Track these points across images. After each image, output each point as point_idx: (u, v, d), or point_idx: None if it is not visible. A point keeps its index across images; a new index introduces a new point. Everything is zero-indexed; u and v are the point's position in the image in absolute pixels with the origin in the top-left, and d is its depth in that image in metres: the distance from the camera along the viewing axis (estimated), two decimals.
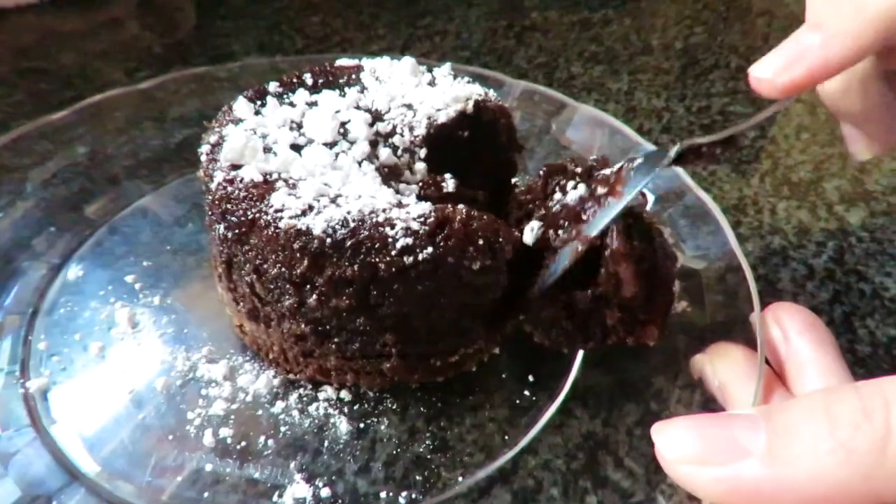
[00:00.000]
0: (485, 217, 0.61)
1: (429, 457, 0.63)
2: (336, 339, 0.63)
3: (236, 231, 0.60)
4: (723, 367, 0.63)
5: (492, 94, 0.74)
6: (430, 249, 0.58)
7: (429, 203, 0.61)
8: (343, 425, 0.65)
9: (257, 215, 0.59)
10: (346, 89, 0.72)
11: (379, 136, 0.67)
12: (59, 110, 0.92)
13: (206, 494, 0.59)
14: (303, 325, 0.63)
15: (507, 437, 0.64)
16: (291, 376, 0.68)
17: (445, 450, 0.64)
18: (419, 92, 0.72)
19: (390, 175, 0.66)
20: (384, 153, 0.66)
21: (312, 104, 0.70)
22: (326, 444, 0.63)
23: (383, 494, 0.60)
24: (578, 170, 0.66)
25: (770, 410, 0.46)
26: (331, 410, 0.66)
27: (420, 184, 0.66)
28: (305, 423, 0.65)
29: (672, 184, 0.84)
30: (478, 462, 0.63)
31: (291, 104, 0.70)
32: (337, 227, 0.57)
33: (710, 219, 0.78)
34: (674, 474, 0.48)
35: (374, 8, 1.43)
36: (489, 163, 0.75)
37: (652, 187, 0.83)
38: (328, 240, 0.57)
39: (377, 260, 0.57)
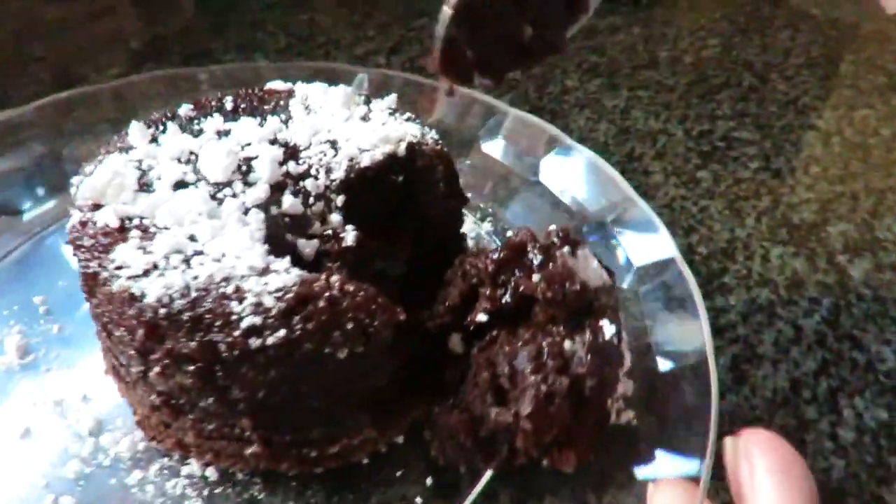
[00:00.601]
0: (361, 294, 0.50)
1: None
2: (190, 416, 0.54)
3: (83, 282, 0.53)
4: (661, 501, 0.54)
5: (430, 135, 0.64)
6: (282, 332, 0.47)
7: (297, 273, 0.51)
8: None
9: (99, 269, 0.51)
10: (268, 118, 0.62)
11: (289, 177, 0.58)
12: (22, 105, 0.85)
13: None
14: (153, 396, 0.54)
15: None
16: (154, 444, 0.59)
17: None
18: (347, 127, 0.61)
19: (293, 227, 0.55)
20: (288, 201, 0.56)
21: (223, 133, 0.60)
22: None
23: None
24: (536, 259, 0.56)
25: None
26: (189, 491, 0.56)
27: (320, 237, 0.55)
28: (156, 503, 0.56)
29: (656, 254, 0.71)
30: None
31: (198, 132, 0.61)
32: (175, 296, 0.48)
33: (688, 304, 0.65)
34: None
35: (367, 7, 1.35)
36: (428, 214, 0.64)
37: (630, 259, 0.72)
38: (162, 310, 0.48)
39: (219, 339, 0.47)
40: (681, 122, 1.07)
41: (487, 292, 0.56)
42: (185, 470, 0.58)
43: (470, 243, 0.79)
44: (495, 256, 0.57)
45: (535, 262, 0.56)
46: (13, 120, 0.86)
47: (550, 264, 0.55)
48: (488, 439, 0.54)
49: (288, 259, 0.52)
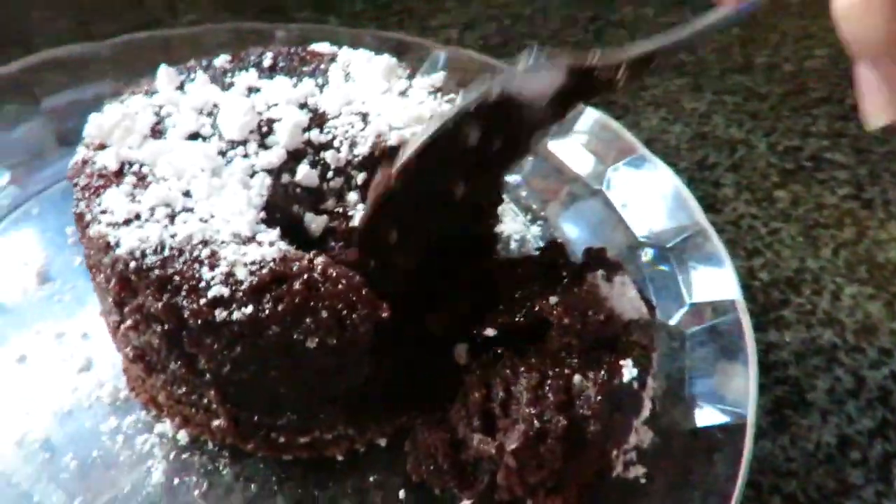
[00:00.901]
0: (343, 281, 0.45)
1: None
2: (162, 376, 0.51)
3: (75, 221, 0.51)
4: None
5: None
6: (249, 309, 0.43)
7: (282, 247, 0.46)
8: (156, 474, 0.53)
9: (85, 210, 0.49)
10: (304, 80, 0.59)
11: (310, 146, 0.54)
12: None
13: None
14: (128, 349, 0.51)
15: None
16: (132, 395, 0.57)
17: None
18: (382, 101, 0.57)
19: (304, 199, 0.52)
20: (303, 171, 0.52)
21: (253, 90, 0.57)
22: (124, 489, 0.52)
23: None
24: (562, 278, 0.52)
25: None
26: (156, 450, 0.54)
27: (330, 213, 0.51)
28: (122, 455, 0.53)
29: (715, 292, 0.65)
30: None
31: (229, 85, 0.58)
32: (147, 251, 0.45)
33: (739, 357, 0.58)
34: None
35: None
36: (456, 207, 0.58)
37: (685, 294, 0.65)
38: (133, 263, 0.45)
39: (184, 305, 0.44)
40: (766, 135, 0.97)
41: (501, 305, 0.52)
42: (158, 427, 0.56)
43: (513, 246, 0.74)
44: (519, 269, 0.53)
45: (562, 281, 0.51)
46: (88, 54, 0.86)
47: (576, 287, 0.50)
48: (469, 466, 0.49)
49: (278, 231, 0.48)
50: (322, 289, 0.45)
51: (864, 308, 0.74)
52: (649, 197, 0.74)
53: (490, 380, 0.49)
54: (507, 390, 0.48)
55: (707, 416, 0.56)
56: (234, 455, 0.54)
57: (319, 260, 0.46)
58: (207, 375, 0.47)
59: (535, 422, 0.46)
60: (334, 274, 0.45)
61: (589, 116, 0.81)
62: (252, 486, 0.54)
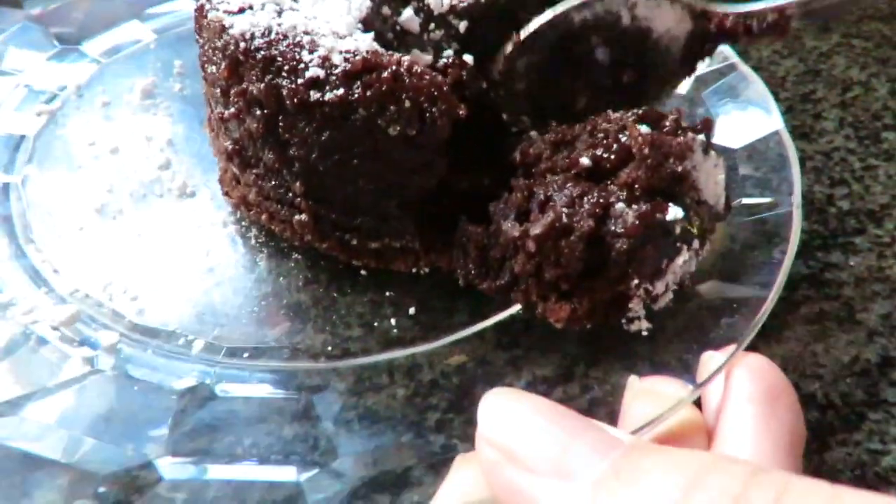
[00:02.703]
0: (427, 77, 0.52)
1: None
2: (255, 171, 0.59)
3: (195, 19, 0.59)
4: (645, 403, 0.48)
5: None
6: (340, 91, 0.50)
7: (375, 45, 0.53)
8: (209, 254, 0.62)
9: (205, 2, 0.57)
10: None
11: None
12: None
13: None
14: (228, 143, 0.60)
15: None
16: (227, 198, 0.66)
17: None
18: None
19: (401, 42, 0.57)
20: (407, 14, 0.57)
21: None
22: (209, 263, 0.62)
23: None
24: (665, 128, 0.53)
25: (636, 445, 0.35)
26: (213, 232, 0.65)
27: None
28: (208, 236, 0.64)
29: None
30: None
31: None
32: (256, 33, 0.53)
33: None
34: (480, 449, 0.39)
35: None
36: None
37: None
38: (242, 44, 0.53)
39: (284, 84, 0.51)
40: (891, 81, 0.93)
41: (581, 143, 0.54)
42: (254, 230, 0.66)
43: None
44: (636, 110, 0.54)
45: (662, 129, 0.53)
46: None
47: (671, 135, 0.52)
48: (496, 262, 0.54)
49: (372, 34, 0.54)
50: (407, 81, 0.51)
51: None
52: None
53: (534, 187, 0.53)
54: (547, 196, 0.52)
55: (730, 290, 0.57)
56: (276, 254, 0.63)
57: (407, 58, 0.53)
58: (296, 165, 0.55)
59: (563, 217, 0.49)
60: (419, 70, 0.52)
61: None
62: (281, 279, 0.61)
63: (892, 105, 0.91)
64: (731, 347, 0.49)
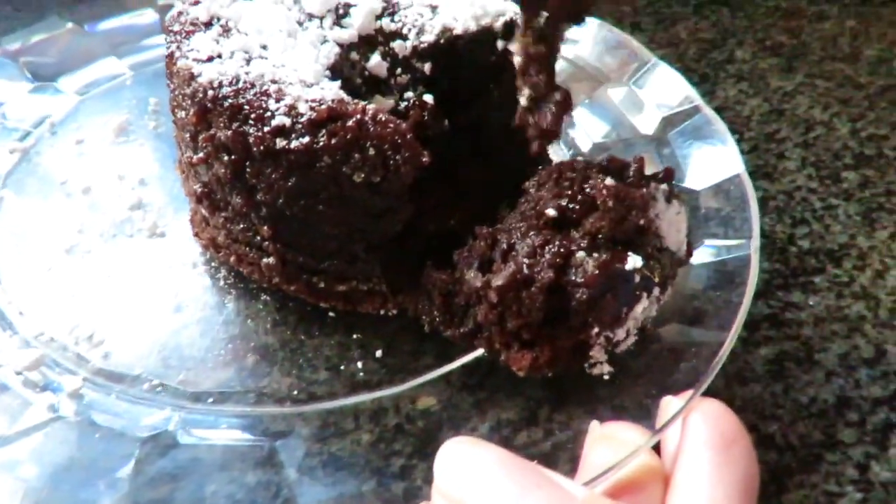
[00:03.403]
0: (391, 126, 0.52)
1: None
2: (223, 214, 0.60)
3: (166, 64, 0.60)
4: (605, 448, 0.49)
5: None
6: (306, 139, 0.51)
7: (342, 94, 0.54)
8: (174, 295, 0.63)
9: (175, 50, 0.58)
10: None
11: (381, 33, 0.60)
12: None
13: None
14: (197, 186, 0.60)
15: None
16: (197, 239, 0.67)
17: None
18: None
19: (370, 86, 0.59)
20: (374, 60, 0.59)
21: None
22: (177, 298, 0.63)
23: None
24: (628, 178, 0.54)
25: (589, 501, 0.36)
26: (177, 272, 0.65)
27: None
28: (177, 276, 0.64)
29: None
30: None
31: None
32: (224, 82, 0.54)
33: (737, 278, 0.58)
34: (434, 501, 0.40)
35: None
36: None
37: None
38: (210, 92, 0.54)
39: (250, 132, 0.52)
40: (852, 121, 0.95)
41: (547, 192, 0.54)
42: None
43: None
44: (601, 161, 0.56)
45: (626, 180, 0.54)
46: None
47: (634, 188, 0.52)
48: (460, 308, 0.54)
49: (339, 83, 0.55)
50: (371, 129, 0.52)
51: None
52: None
53: (498, 235, 0.54)
54: (510, 245, 0.52)
55: (690, 333, 0.57)
56: (244, 295, 0.64)
57: (372, 106, 0.54)
58: (263, 210, 0.56)
59: (525, 267, 0.50)
60: (384, 118, 0.53)
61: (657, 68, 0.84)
62: (249, 321, 0.62)
63: (853, 144, 0.93)
64: (689, 392, 0.50)
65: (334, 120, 0.52)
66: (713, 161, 0.70)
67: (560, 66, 0.81)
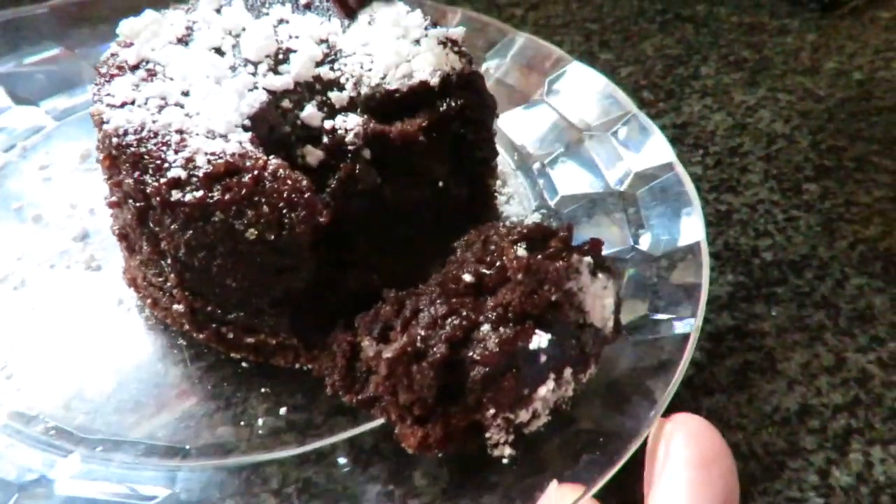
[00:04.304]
0: (289, 182, 0.47)
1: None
2: (139, 257, 0.55)
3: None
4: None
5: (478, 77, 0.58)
6: (200, 193, 0.46)
7: (247, 147, 0.49)
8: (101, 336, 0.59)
9: (96, 93, 0.54)
10: (332, 20, 0.61)
11: (319, 81, 0.56)
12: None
13: None
14: (115, 227, 0.56)
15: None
16: (123, 277, 0.63)
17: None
18: (395, 45, 0.58)
19: (300, 134, 0.54)
20: (308, 111, 0.54)
21: (283, 21, 0.60)
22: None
23: None
24: (549, 249, 0.49)
25: None
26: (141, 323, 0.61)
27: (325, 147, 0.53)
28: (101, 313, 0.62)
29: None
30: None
31: (263, 14, 0.62)
32: (129, 130, 0.49)
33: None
34: None
35: None
36: (458, 160, 0.60)
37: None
38: (115, 139, 0.49)
39: (148, 182, 0.48)
40: (812, 133, 0.95)
41: (471, 255, 0.50)
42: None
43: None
44: (522, 228, 0.50)
45: (545, 251, 0.49)
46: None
47: (553, 259, 0.47)
48: (361, 374, 0.50)
49: (249, 135, 0.51)
50: (268, 185, 0.47)
51: (867, 299, 0.72)
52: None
53: (406, 300, 0.49)
54: (415, 312, 0.47)
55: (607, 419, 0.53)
56: (163, 337, 0.61)
57: (274, 161, 0.48)
58: (168, 258, 0.51)
59: (418, 341, 0.45)
60: (283, 175, 0.47)
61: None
62: (159, 364, 0.59)
63: (813, 157, 0.89)
64: (578, 491, 0.45)
65: (231, 174, 0.47)
66: (675, 226, 0.66)
67: (542, 111, 0.81)
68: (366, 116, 0.55)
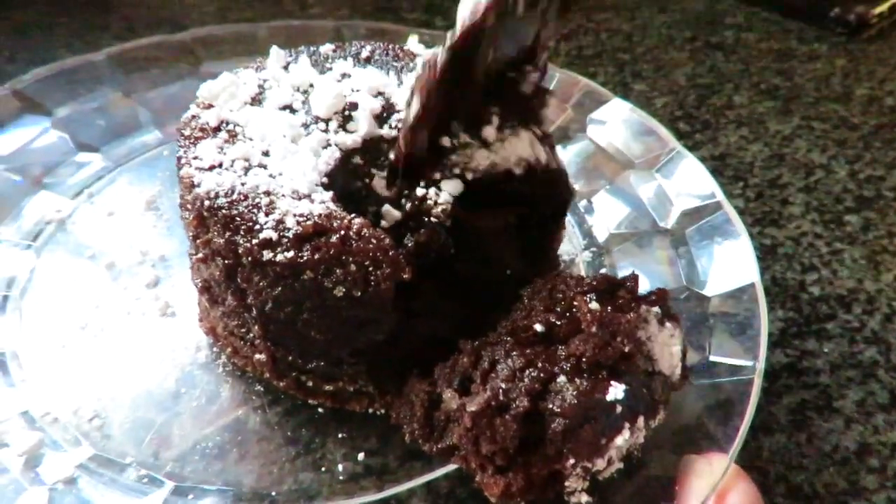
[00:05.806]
0: (374, 241, 0.49)
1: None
2: (221, 308, 0.57)
3: (176, 163, 0.58)
4: None
5: (542, 156, 0.59)
6: (290, 253, 0.48)
7: (331, 206, 0.51)
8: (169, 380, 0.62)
9: (183, 155, 0.56)
10: (390, 73, 0.63)
11: (384, 141, 0.58)
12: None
13: None
14: (198, 281, 0.58)
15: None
16: (201, 325, 0.64)
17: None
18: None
19: (367, 191, 0.56)
20: (379, 184, 0.56)
21: (346, 76, 0.63)
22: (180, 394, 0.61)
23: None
24: (619, 300, 0.51)
25: None
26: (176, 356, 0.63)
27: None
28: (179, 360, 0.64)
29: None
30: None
31: (327, 69, 0.64)
32: (221, 193, 0.51)
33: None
34: None
35: None
36: (528, 239, 0.61)
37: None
38: (206, 202, 0.52)
39: (240, 242, 0.50)
40: (850, 163, 0.97)
41: (539, 303, 0.52)
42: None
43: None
44: (590, 280, 0.52)
45: (614, 302, 0.50)
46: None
47: (624, 311, 0.49)
48: (440, 423, 0.51)
49: (331, 194, 0.53)
50: (354, 245, 0.49)
51: None
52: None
53: (482, 350, 0.50)
54: (492, 364, 0.49)
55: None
56: (241, 383, 0.63)
57: (357, 220, 0.50)
58: (254, 311, 0.52)
59: (501, 394, 0.46)
60: (367, 234, 0.50)
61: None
62: (240, 412, 0.61)
63: (852, 187, 0.91)
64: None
65: (319, 235, 0.49)
66: (728, 265, 0.66)
67: (584, 147, 0.83)
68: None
